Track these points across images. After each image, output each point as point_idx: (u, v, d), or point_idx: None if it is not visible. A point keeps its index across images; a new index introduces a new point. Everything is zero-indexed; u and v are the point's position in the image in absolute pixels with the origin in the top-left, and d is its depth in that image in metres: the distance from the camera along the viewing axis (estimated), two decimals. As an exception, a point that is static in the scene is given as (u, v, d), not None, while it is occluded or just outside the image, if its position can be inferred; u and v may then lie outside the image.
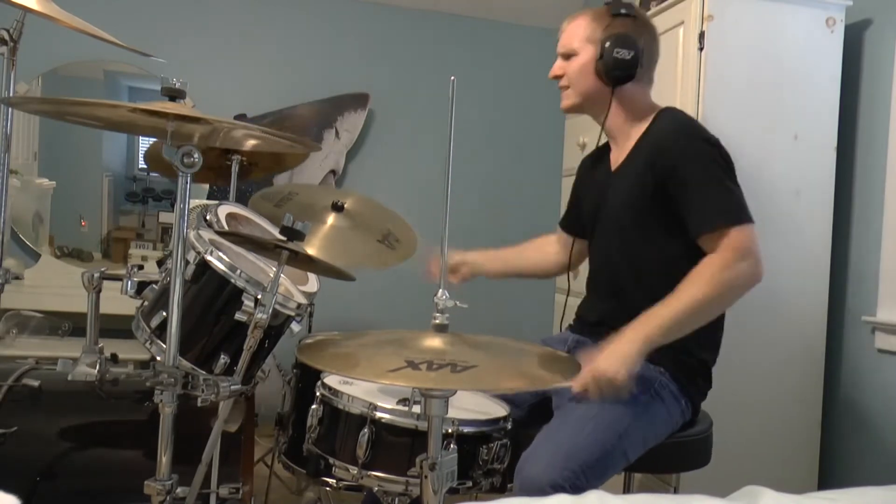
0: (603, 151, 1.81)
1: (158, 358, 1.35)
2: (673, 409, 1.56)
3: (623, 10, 1.64)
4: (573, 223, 1.91)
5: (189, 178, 1.23)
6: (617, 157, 1.71)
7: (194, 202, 1.83)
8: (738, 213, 1.49)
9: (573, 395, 1.46)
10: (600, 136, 1.76)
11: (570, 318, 1.85)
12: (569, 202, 1.97)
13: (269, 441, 2.21)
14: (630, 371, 1.40)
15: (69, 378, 1.41)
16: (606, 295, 1.71)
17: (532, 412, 1.65)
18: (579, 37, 1.66)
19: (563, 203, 2.91)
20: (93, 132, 3.32)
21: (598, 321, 1.69)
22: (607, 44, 1.60)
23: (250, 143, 1.52)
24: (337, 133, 3.56)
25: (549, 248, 2.01)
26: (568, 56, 1.69)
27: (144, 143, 3.45)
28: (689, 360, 1.60)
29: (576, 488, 1.34)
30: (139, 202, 3.46)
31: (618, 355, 1.41)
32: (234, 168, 2.25)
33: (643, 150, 1.61)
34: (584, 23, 1.67)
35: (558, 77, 1.71)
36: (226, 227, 1.64)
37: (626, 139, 1.68)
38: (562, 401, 1.54)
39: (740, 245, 1.46)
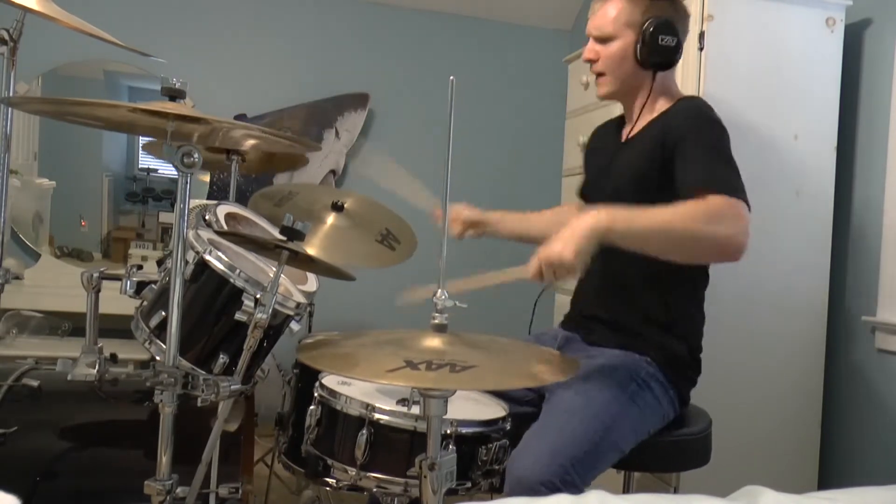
0: (617, 123, 1.79)
1: (158, 358, 1.35)
2: (663, 399, 1.54)
3: None
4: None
5: (189, 178, 1.23)
6: (630, 131, 1.68)
7: (194, 202, 1.82)
8: (726, 185, 1.41)
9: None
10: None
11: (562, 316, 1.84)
12: (584, 170, 1.89)
13: (269, 441, 2.21)
14: (579, 251, 1.31)
15: (69, 378, 1.42)
16: (601, 276, 1.66)
17: (530, 411, 1.64)
18: (616, 20, 1.58)
19: (563, 203, 2.92)
20: (93, 132, 3.31)
21: (592, 314, 1.67)
22: (650, 29, 1.54)
23: (250, 143, 1.52)
24: (337, 133, 3.56)
25: (569, 216, 1.96)
26: (603, 40, 1.61)
27: (144, 142, 3.46)
28: (674, 347, 1.58)
29: (566, 484, 1.32)
30: (139, 202, 3.46)
31: (568, 237, 1.32)
32: (234, 168, 2.25)
33: (655, 128, 1.58)
34: (621, 4, 1.59)
35: (592, 61, 1.64)
36: (225, 227, 1.64)
37: (644, 117, 1.65)
38: (550, 396, 1.53)
39: (722, 208, 1.37)
